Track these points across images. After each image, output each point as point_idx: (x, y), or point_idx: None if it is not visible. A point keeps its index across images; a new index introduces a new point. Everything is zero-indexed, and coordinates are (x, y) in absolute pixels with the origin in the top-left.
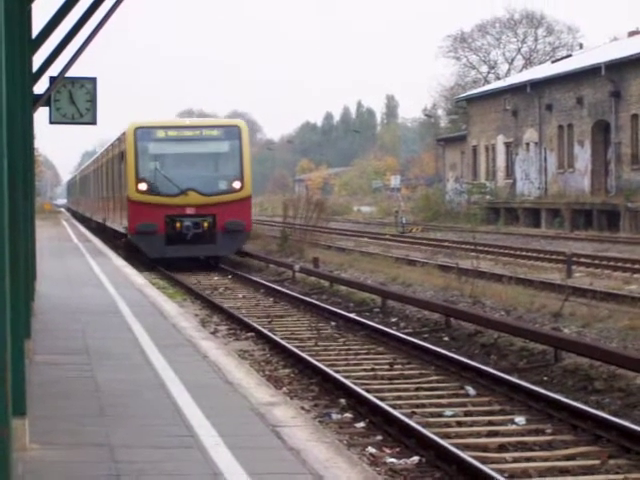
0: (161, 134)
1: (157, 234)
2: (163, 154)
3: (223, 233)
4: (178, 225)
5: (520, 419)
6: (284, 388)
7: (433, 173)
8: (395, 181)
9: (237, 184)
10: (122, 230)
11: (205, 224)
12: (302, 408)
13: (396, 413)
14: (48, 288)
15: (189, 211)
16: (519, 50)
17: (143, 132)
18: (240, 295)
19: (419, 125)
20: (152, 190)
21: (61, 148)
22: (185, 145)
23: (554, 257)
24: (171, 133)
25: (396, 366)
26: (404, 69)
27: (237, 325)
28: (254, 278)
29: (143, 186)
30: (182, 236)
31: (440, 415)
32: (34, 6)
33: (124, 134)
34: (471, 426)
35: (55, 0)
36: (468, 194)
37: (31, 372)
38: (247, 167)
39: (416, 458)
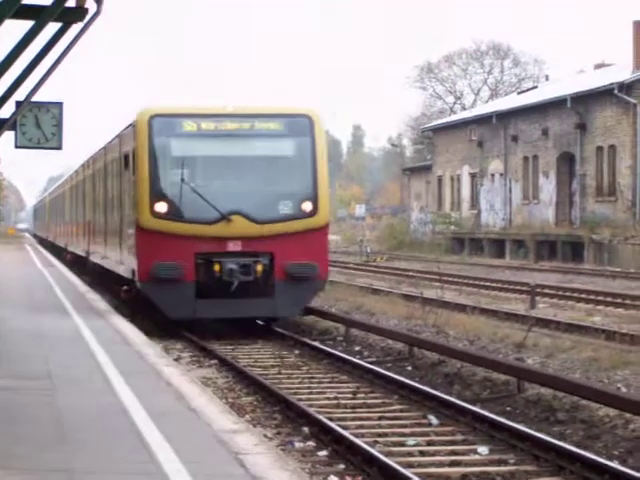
0: (190, 126)
1: (183, 282)
2: (193, 157)
3: (285, 282)
4: (216, 268)
5: (483, 449)
6: (247, 415)
7: (398, 202)
8: (360, 210)
9: (307, 206)
10: (124, 274)
11: (258, 268)
12: (265, 436)
13: (359, 442)
14: None
15: (233, 247)
16: (485, 81)
17: (163, 123)
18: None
19: (385, 154)
20: (176, 214)
21: (26, 173)
22: (227, 144)
23: (518, 288)
24: (206, 125)
25: (359, 395)
26: (371, 99)
27: (200, 352)
28: None
29: (162, 207)
30: (222, 286)
31: (403, 444)
32: (0, 30)
33: (131, 127)
34: (434, 455)
35: (22, 25)
36: (433, 224)
37: None
38: (323, 180)
39: None
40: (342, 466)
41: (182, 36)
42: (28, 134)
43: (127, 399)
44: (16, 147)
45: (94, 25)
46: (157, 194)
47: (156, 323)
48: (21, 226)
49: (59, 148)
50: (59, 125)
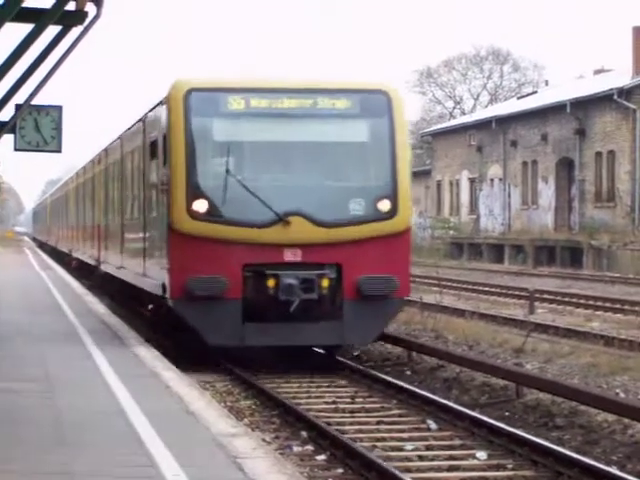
0: (238, 104)
1: (228, 301)
2: (241, 143)
3: (355, 301)
4: (270, 284)
5: (481, 454)
6: (245, 419)
7: None
8: None
9: (385, 205)
10: (149, 289)
11: (323, 283)
12: (263, 440)
13: (357, 446)
14: None
15: (292, 256)
16: (485, 86)
17: (203, 99)
18: None
19: None
20: (219, 214)
21: (25, 176)
22: (284, 126)
23: (517, 293)
24: (257, 102)
25: (358, 399)
26: None
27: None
28: None
29: (201, 205)
30: (277, 306)
31: (401, 449)
32: (0, 33)
33: (161, 106)
34: (432, 460)
35: (22, 27)
36: (432, 229)
37: None
38: (403, 172)
39: None
40: (340, 471)
41: (182, 39)
42: (27, 137)
43: (126, 402)
44: (15, 150)
45: (94, 28)
46: (195, 189)
47: (186, 349)
48: (19, 229)
49: (58, 151)
50: (58, 128)
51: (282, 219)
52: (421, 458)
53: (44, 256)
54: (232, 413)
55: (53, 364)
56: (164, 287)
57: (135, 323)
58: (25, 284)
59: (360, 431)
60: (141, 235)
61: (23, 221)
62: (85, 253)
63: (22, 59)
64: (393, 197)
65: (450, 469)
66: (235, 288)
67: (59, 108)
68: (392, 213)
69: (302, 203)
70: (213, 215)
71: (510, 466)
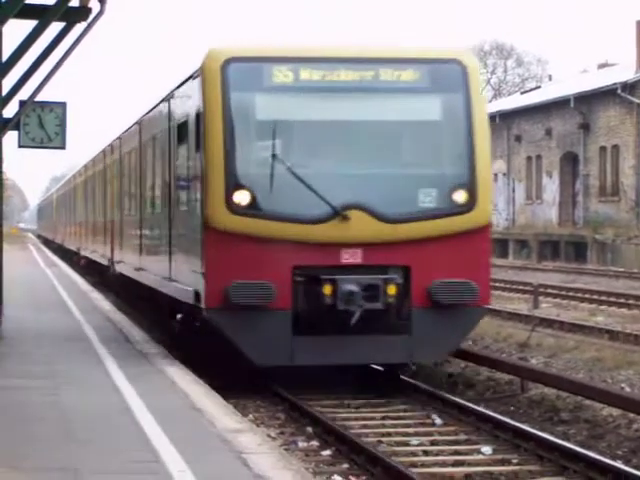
0: (286, 76)
1: (275, 311)
2: (290, 123)
3: (427, 311)
4: (326, 291)
5: (486, 449)
6: (250, 415)
7: None
8: None
9: (461, 196)
10: (179, 296)
11: (389, 289)
12: (268, 435)
13: (362, 442)
14: None
15: (351, 258)
16: (488, 81)
17: (245, 71)
18: None
19: None
20: (265, 208)
21: (29, 173)
22: (341, 103)
23: (521, 287)
24: (309, 74)
25: (361, 395)
26: None
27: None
28: None
29: (243, 197)
30: (334, 317)
31: (406, 444)
32: (4, 29)
33: (192, 81)
34: (437, 455)
35: (25, 24)
36: None
37: None
38: (483, 158)
39: None
40: (346, 466)
41: (187, 35)
42: (31, 134)
43: (131, 399)
44: (19, 147)
45: (97, 25)
46: (236, 178)
47: (222, 369)
48: (22, 226)
49: (62, 148)
50: (62, 125)
51: (339, 213)
52: (426, 453)
53: (49, 253)
54: (237, 409)
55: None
56: (197, 294)
57: (158, 333)
58: (31, 281)
59: (365, 426)
60: (166, 232)
61: (27, 218)
62: (95, 251)
63: (26, 56)
64: (471, 186)
65: (455, 464)
66: (283, 296)
67: (63, 105)
68: (470, 205)
69: (363, 194)
70: (257, 209)
71: (515, 461)
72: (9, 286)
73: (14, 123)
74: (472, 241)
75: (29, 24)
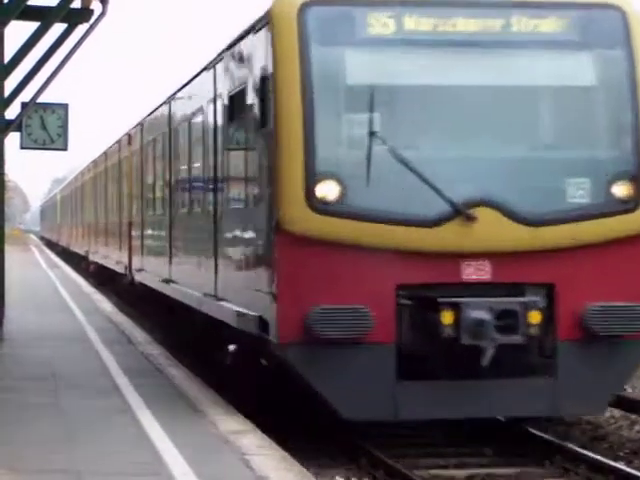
0: (384, 25)
1: (371, 345)
2: (392, 89)
3: (578, 345)
4: (445, 319)
5: (488, 450)
6: None
7: None
8: None
9: (624, 188)
10: (233, 321)
11: (531, 316)
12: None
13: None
14: None
15: (476, 273)
16: None
17: (329, 18)
18: None
19: None
20: (357, 204)
21: (31, 174)
22: (461, 62)
23: None
24: (415, 23)
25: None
26: None
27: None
28: None
29: (330, 190)
30: (456, 355)
31: None
32: (6, 31)
33: (254, 33)
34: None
35: (27, 26)
36: None
37: None
38: None
39: None
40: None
41: (190, 36)
42: (33, 135)
43: (133, 400)
44: (21, 148)
45: (99, 26)
46: (321, 165)
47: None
48: (23, 227)
49: (64, 149)
50: (64, 126)
51: (462, 212)
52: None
53: (52, 255)
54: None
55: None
56: (263, 322)
57: (200, 368)
58: (33, 283)
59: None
60: (208, 236)
61: (29, 220)
62: (108, 257)
63: (28, 57)
64: (637, 175)
65: (457, 466)
66: (384, 326)
67: (65, 106)
68: (636, 202)
69: (493, 186)
70: (348, 206)
71: (517, 462)
72: (11, 287)
73: (16, 124)
74: (638, 251)
75: (31, 26)
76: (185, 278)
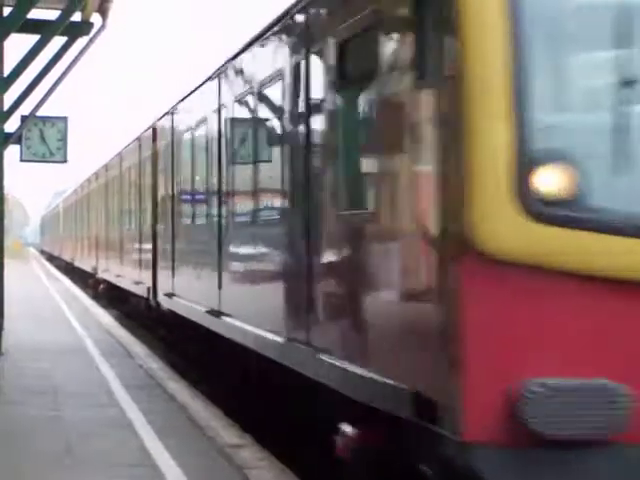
0: None
1: (629, 448)
2: None
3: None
4: None
5: None
6: None
7: None
8: None
9: None
10: (362, 395)
11: None
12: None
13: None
14: None
15: None
16: None
17: None
18: None
19: None
20: (607, 206)
21: (30, 187)
22: None
23: None
24: None
25: None
26: None
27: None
28: None
29: (559, 182)
30: None
31: None
32: (6, 44)
33: None
34: None
35: (27, 39)
36: None
37: None
38: None
39: None
40: None
41: (188, 48)
42: (33, 148)
43: (132, 413)
44: (21, 161)
45: (99, 39)
46: (540, 140)
47: None
48: (23, 241)
49: (64, 162)
50: (64, 139)
51: None
52: None
53: (53, 269)
54: (238, 423)
55: None
56: (425, 403)
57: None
58: (33, 297)
59: None
60: (291, 257)
61: (29, 233)
62: (122, 276)
63: (28, 70)
64: None
65: None
66: None
67: (64, 119)
68: None
69: None
70: (594, 210)
71: None
72: (10, 301)
73: (16, 137)
74: None
75: (31, 38)
76: (245, 311)
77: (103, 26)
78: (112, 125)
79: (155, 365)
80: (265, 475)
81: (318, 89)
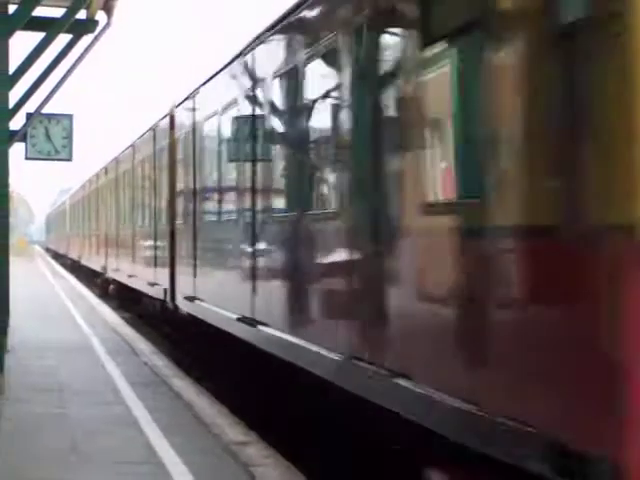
0: None
1: None
2: None
3: None
4: None
5: None
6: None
7: None
8: None
9: None
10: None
11: None
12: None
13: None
14: None
15: None
16: None
17: None
18: None
19: None
20: None
21: (36, 185)
22: None
23: None
24: None
25: None
26: None
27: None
28: None
29: None
30: None
31: None
32: (11, 42)
33: None
34: None
35: (32, 36)
36: None
37: (3, 407)
38: None
39: None
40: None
41: (194, 47)
42: (38, 146)
43: (138, 411)
44: (26, 159)
45: (104, 36)
46: None
47: None
48: (28, 238)
49: (69, 160)
50: (69, 137)
51: None
52: None
53: (58, 266)
54: (244, 421)
55: None
56: (564, 458)
57: None
58: (39, 294)
59: None
60: (361, 265)
61: (34, 230)
62: (135, 276)
63: (33, 68)
64: None
65: None
66: None
67: (70, 117)
68: None
69: None
70: None
71: None
72: (16, 298)
73: (21, 135)
74: None
75: (36, 36)
76: (283, 317)
77: (108, 24)
78: (117, 123)
79: (160, 362)
80: (271, 472)
81: (390, 59)
